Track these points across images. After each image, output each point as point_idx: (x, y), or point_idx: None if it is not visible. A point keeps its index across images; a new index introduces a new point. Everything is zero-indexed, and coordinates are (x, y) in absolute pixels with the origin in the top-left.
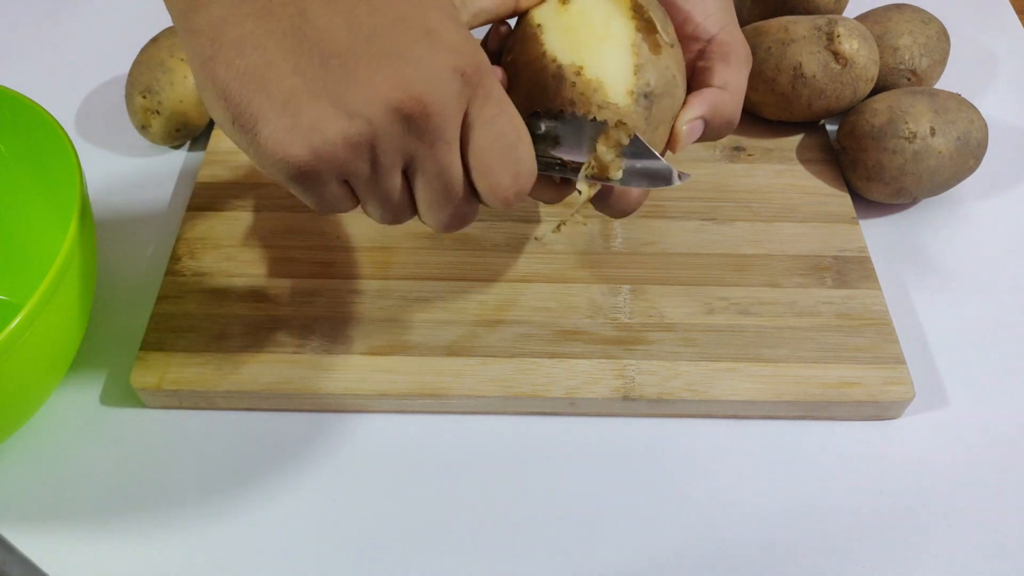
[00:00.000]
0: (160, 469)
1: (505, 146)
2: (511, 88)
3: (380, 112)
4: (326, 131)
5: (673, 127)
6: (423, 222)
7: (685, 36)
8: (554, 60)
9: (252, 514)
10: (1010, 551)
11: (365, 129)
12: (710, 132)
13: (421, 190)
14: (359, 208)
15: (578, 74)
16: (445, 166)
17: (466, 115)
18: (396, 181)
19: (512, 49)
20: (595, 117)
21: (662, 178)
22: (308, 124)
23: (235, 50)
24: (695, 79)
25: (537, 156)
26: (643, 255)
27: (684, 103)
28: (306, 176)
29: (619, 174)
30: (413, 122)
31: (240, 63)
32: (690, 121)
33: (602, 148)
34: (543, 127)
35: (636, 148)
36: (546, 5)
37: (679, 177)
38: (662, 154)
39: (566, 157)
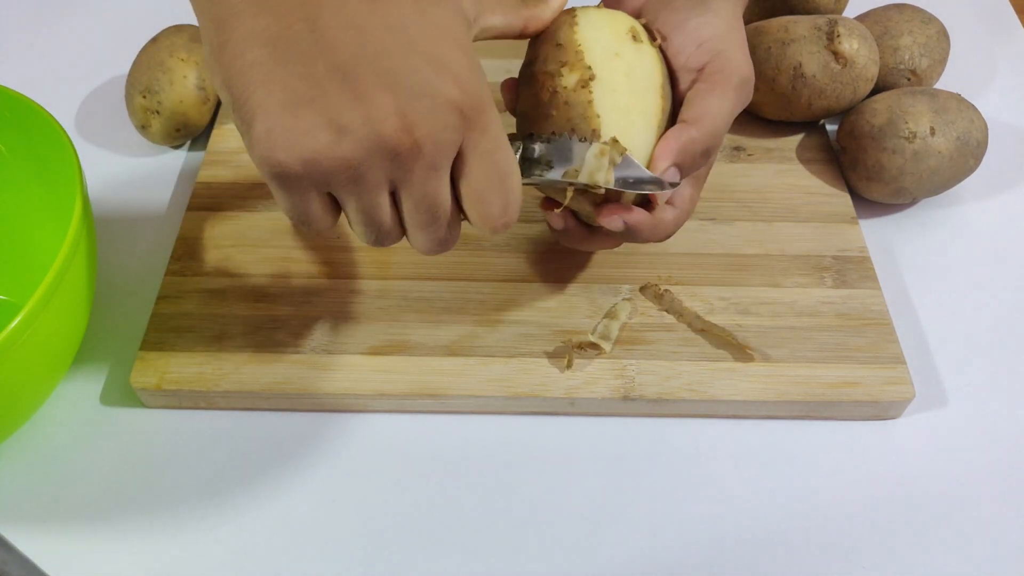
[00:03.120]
0: (160, 469)
1: (498, 178)
2: (526, 98)
3: (371, 136)
4: (316, 141)
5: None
6: (410, 244)
7: (677, 67)
8: (597, 116)
9: (252, 514)
10: (1010, 551)
11: (352, 149)
12: (687, 171)
13: (408, 212)
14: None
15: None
16: (432, 192)
17: (462, 145)
18: (381, 200)
19: (544, 59)
20: (586, 138)
21: (653, 187)
22: (301, 130)
23: (244, 44)
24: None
25: (532, 175)
26: (643, 255)
27: (653, 153)
28: (287, 180)
29: (610, 182)
30: (400, 154)
31: (248, 56)
32: (663, 174)
33: (596, 161)
34: (537, 150)
35: (627, 165)
36: (599, 45)
37: (668, 186)
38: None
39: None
